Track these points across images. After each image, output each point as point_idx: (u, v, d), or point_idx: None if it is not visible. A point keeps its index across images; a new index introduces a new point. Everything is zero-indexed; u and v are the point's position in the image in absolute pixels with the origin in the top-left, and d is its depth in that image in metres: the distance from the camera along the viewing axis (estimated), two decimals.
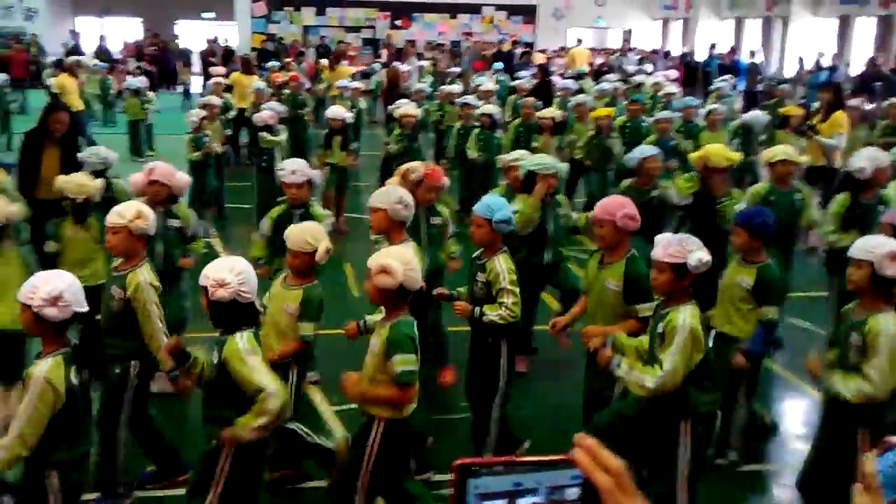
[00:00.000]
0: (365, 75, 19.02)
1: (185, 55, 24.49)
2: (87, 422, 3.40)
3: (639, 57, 23.13)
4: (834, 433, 3.68)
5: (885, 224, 4.71)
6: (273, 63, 16.98)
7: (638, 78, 15.08)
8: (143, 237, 4.08)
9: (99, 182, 5.26)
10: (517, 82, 13.90)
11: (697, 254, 3.43)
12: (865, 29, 20.71)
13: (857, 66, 19.12)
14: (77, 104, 12.35)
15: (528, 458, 1.09)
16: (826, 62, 19.59)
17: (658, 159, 6.32)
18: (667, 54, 24.76)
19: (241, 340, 3.26)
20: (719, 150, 6.00)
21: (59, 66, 15.01)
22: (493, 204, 4.20)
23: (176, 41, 26.24)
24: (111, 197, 5.50)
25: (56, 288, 3.10)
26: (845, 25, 21.01)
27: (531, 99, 10.94)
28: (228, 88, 12.78)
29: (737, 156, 6.30)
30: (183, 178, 5.38)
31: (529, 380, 5.68)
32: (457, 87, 13.13)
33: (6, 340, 4.31)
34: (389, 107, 9.53)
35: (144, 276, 3.98)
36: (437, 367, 5.47)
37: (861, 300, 3.59)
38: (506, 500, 1.03)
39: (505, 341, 4.23)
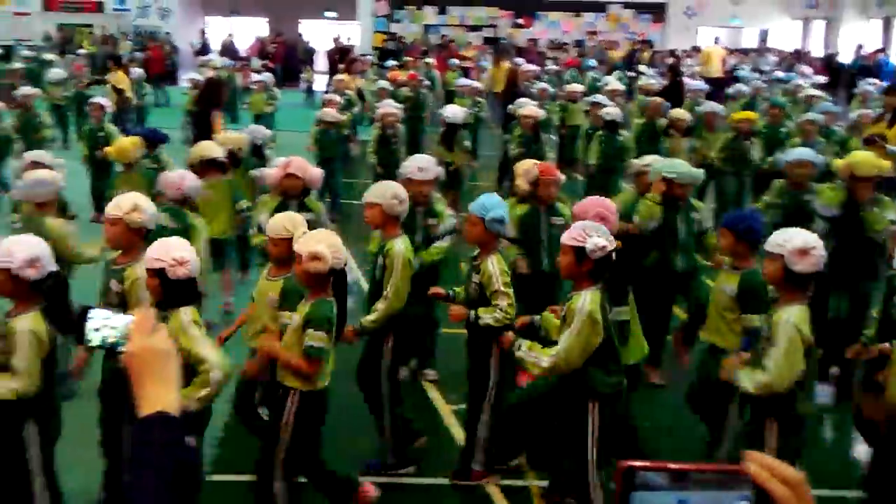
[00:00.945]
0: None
1: (310, 54, 25.36)
2: (56, 377, 3.63)
3: (777, 58, 22.18)
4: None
5: None
6: (392, 62, 17.35)
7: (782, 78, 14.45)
8: (140, 230, 3.98)
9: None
10: (643, 82, 13.62)
11: (595, 239, 3.60)
12: None
13: None
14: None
15: (698, 465, 1.07)
16: None
17: (812, 164, 6.06)
18: (806, 55, 23.60)
19: (186, 315, 3.49)
20: (868, 158, 5.70)
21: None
22: (488, 203, 4.25)
23: (302, 40, 27.25)
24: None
25: (33, 251, 3.37)
26: None
27: (658, 99, 10.68)
28: None
29: (887, 164, 5.95)
30: (317, 171, 5.59)
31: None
32: (579, 87, 12.99)
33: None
34: (510, 106, 9.52)
35: (142, 271, 3.77)
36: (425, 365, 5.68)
37: (779, 294, 3.60)
38: None
39: (496, 342, 4.23)
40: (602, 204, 4.29)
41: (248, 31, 29.41)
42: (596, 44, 24.65)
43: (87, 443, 4.06)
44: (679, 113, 9.58)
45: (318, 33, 28.50)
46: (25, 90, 10.43)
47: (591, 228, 3.69)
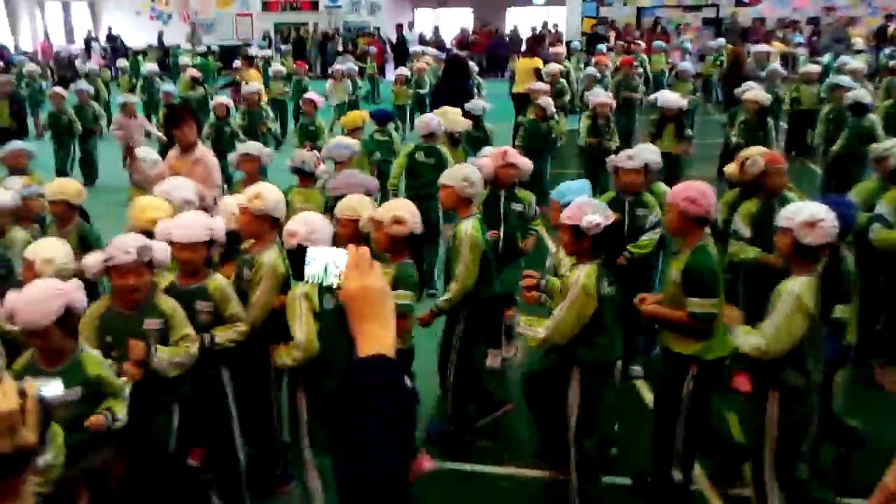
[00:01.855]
0: (701, 58, 18.45)
1: (517, 42, 25.69)
2: None
3: None
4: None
5: None
6: (600, 46, 17.16)
7: None
8: (265, 217, 4.12)
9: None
10: (886, 61, 12.51)
11: (590, 217, 3.80)
12: None
13: None
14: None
15: None
16: None
17: None
18: None
19: (301, 287, 3.74)
20: None
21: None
22: (567, 189, 4.38)
23: (507, 28, 27.66)
24: None
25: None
26: None
27: None
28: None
29: None
30: (528, 162, 5.71)
31: None
32: (815, 67, 12.17)
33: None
34: (736, 90, 9.09)
35: (270, 257, 4.06)
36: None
37: (791, 267, 3.66)
38: None
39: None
40: (691, 187, 4.05)
41: (455, 21, 30.29)
42: (833, 21, 22.89)
43: None
44: None
45: (525, 21, 28.76)
46: (250, 87, 11.38)
47: (586, 206, 3.89)
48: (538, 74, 12.05)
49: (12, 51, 24.75)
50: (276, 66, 16.00)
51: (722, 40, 18.94)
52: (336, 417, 3.82)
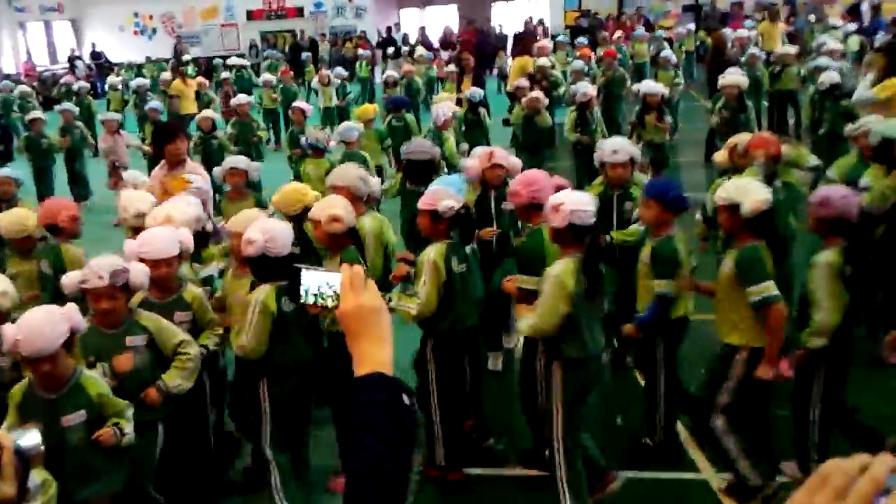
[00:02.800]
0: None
1: (502, 39, 25.72)
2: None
3: None
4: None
5: None
6: (581, 40, 17.23)
7: None
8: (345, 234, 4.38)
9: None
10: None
11: (446, 202, 4.22)
12: None
13: None
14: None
15: None
16: None
17: None
18: None
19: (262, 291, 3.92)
20: None
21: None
22: (444, 181, 4.83)
23: (492, 25, 27.68)
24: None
25: None
26: None
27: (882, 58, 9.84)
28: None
29: None
30: (518, 161, 5.76)
31: None
32: (792, 49, 12.27)
33: None
34: (721, 78, 9.15)
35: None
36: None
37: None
38: None
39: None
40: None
41: (441, 20, 30.30)
42: (809, 0, 22.97)
43: None
44: None
45: (510, 16, 28.80)
46: (240, 98, 11.43)
47: (441, 192, 4.33)
48: (529, 76, 12.15)
49: None
50: (266, 76, 16.05)
51: (691, 26, 19.02)
52: (294, 416, 4.13)
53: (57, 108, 12.38)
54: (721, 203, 4.00)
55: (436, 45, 25.90)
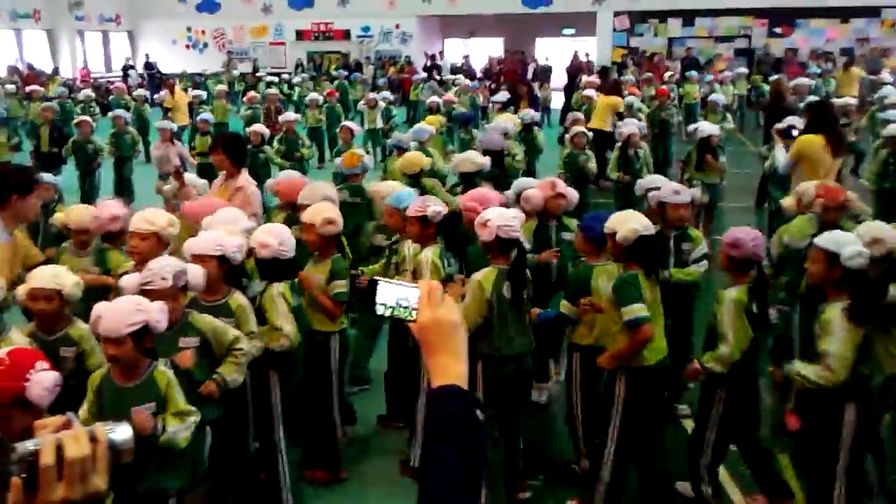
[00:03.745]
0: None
1: (545, 72, 25.78)
2: None
3: None
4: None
5: None
6: (628, 77, 17.15)
7: None
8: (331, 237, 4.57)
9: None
10: None
11: (434, 207, 4.58)
12: None
13: None
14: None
15: None
16: None
17: None
18: None
19: (276, 288, 4.15)
20: None
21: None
22: (401, 196, 5.03)
23: (533, 58, 27.76)
24: None
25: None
26: None
27: None
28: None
29: None
30: (575, 192, 5.70)
31: None
32: (853, 100, 12.07)
33: None
34: (777, 125, 8.94)
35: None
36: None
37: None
38: None
39: None
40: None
41: (485, 51, 30.48)
42: (867, 52, 22.75)
43: None
44: None
45: (554, 51, 28.87)
46: (288, 116, 11.48)
47: (428, 200, 4.72)
48: (619, 115, 11.96)
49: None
50: (312, 95, 16.16)
51: (743, 70, 18.84)
52: (303, 409, 4.43)
53: (110, 113, 12.52)
54: (821, 250, 3.86)
55: (479, 74, 26.03)
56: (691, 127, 9.83)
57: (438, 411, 1.46)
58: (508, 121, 9.82)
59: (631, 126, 9.60)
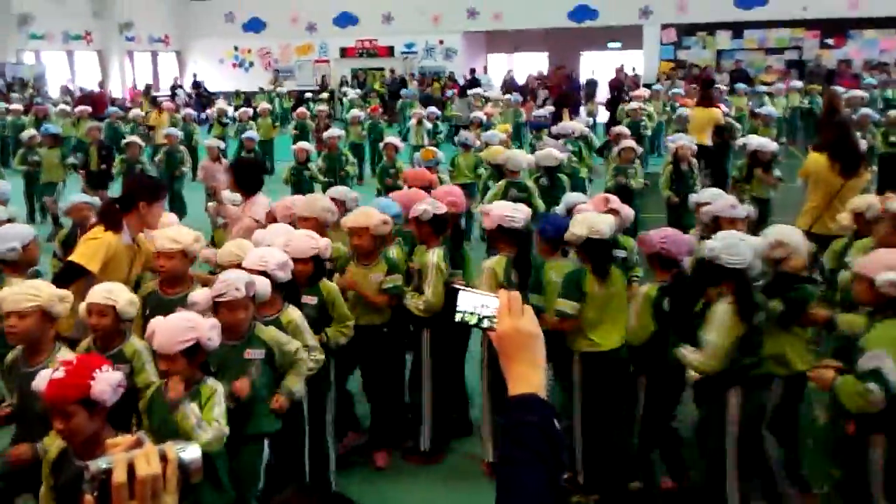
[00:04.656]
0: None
1: (591, 86, 25.65)
2: None
3: None
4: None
5: None
6: (677, 90, 16.98)
7: None
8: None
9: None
10: None
11: (419, 206, 4.87)
12: None
13: None
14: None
15: None
16: None
17: None
18: None
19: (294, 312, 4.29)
20: None
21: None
22: (380, 204, 5.38)
23: (576, 73, 27.63)
24: None
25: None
26: None
27: None
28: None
29: None
30: (630, 209, 5.66)
31: None
32: None
33: None
34: None
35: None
36: None
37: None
38: None
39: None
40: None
41: (529, 66, 30.46)
42: None
43: None
44: None
45: (600, 64, 28.75)
46: (332, 132, 11.62)
47: (425, 201, 4.97)
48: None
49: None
50: (354, 112, 16.33)
51: (798, 82, 18.51)
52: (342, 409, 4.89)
53: (163, 131, 12.80)
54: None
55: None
56: (740, 141, 9.66)
57: (518, 419, 1.50)
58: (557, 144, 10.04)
59: (682, 140, 9.49)
